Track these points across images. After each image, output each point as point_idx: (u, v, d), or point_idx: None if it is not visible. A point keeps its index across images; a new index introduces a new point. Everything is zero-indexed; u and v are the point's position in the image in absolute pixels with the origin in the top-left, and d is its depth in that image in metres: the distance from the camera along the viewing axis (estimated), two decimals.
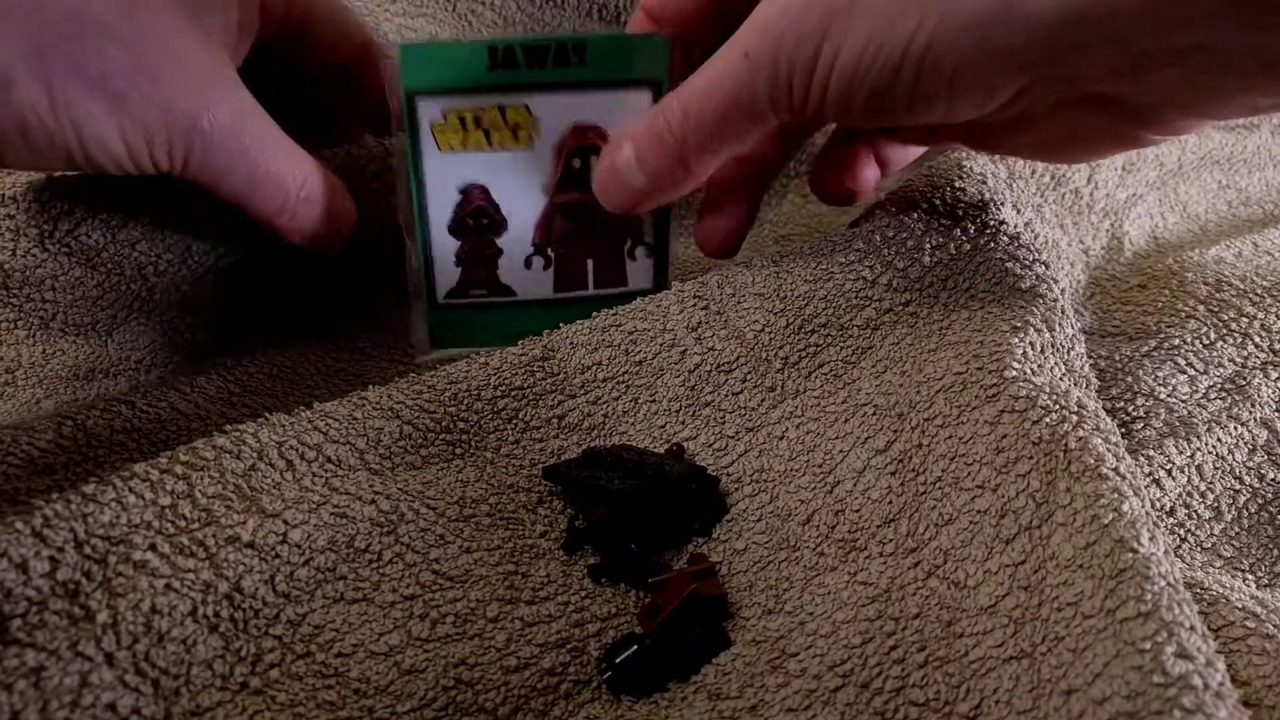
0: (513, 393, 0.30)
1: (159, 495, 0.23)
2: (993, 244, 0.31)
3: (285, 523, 0.24)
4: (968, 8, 0.23)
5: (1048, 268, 0.30)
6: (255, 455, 0.25)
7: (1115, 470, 0.22)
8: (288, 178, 0.30)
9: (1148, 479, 0.27)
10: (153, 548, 0.22)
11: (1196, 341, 0.31)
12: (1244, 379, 0.30)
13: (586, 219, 0.32)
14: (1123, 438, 0.25)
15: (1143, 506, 0.22)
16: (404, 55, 0.29)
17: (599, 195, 0.31)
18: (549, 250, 0.32)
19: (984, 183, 0.34)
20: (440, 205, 0.31)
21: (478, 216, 0.31)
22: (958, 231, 0.31)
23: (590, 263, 0.33)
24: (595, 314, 0.32)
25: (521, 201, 0.32)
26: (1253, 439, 0.29)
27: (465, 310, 0.33)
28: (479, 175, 0.31)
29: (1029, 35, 0.22)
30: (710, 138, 0.28)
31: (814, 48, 0.25)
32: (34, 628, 0.20)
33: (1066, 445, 0.23)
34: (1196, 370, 0.30)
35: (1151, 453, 0.28)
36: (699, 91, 0.28)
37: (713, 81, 0.27)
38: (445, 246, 0.32)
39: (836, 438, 0.28)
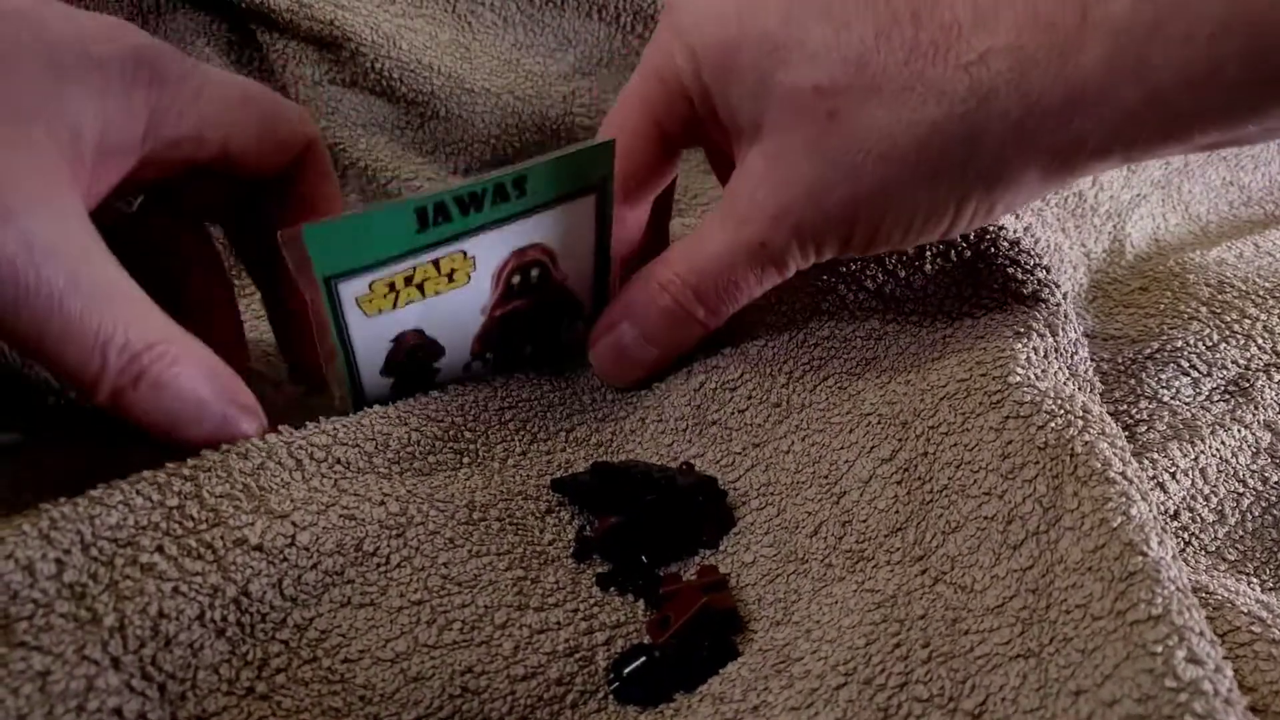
0: (520, 404, 0.30)
1: (166, 496, 0.23)
2: (994, 250, 0.31)
3: (294, 524, 0.23)
4: (1017, 181, 0.24)
5: (1049, 272, 0.30)
6: (264, 454, 0.25)
7: (1122, 474, 0.22)
8: (110, 338, 0.22)
9: (1152, 482, 0.27)
10: (160, 550, 0.22)
11: (1199, 344, 0.31)
12: (1247, 381, 0.30)
13: (527, 319, 0.30)
14: (1126, 441, 0.25)
15: (1150, 510, 0.22)
16: (311, 240, 0.24)
17: (603, 377, 0.31)
18: (488, 355, 0.31)
19: None
20: (370, 358, 0.28)
21: (412, 355, 0.29)
22: (958, 238, 0.31)
23: (529, 347, 0.32)
24: None
25: (458, 329, 0.29)
26: (1256, 441, 0.29)
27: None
28: (412, 322, 0.28)
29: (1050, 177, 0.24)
30: (730, 303, 0.29)
31: (846, 233, 0.26)
32: (40, 630, 0.20)
33: (1073, 450, 0.23)
34: (1199, 373, 0.30)
35: (1155, 456, 0.28)
36: (709, 273, 0.28)
37: (724, 263, 0.27)
38: (377, 383, 0.29)
39: (842, 448, 0.28)
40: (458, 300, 0.28)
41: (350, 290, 0.26)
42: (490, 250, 0.28)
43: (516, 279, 0.29)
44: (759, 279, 0.28)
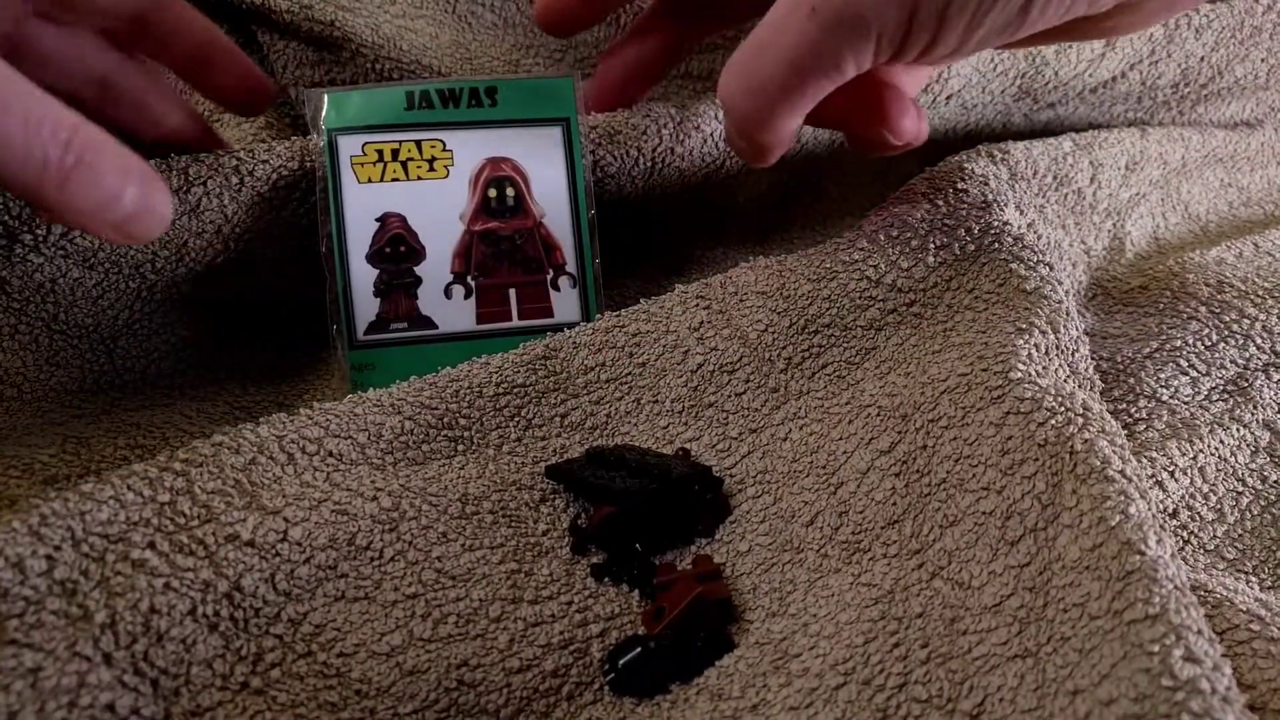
0: (515, 390, 0.30)
1: (158, 492, 0.23)
2: (997, 244, 0.31)
3: (285, 520, 0.23)
4: None
5: (1052, 269, 0.30)
6: (255, 449, 0.25)
7: (1121, 473, 0.22)
8: (43, 131, 0.23)
9: (1150, 481, 0.27)
10: (151, 546, 0.22)
11: (1198, 343, 0.31)
12: (1246, 380, 0.30)
13: (506, 246, 0.33)
14: (1126, 439, 0.25)
15: (1148, 509, 0.22)
16: (330, 101, 0.32)
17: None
18: (469, 279, 0.33)
19: (986, 184, 0.34)
20: (359, 235, 0.32)
21: (395, 244, 0.32)
22: (962, 232, 0.31)
23: (513, 293, 0.33)
24: (599, 315, 0.32)
25: (439, 230, 0.32)
26: (1255, 441, 0.29)
27: (384, 348, 0.32)
28: (396, 204, 0.32)
29: None
30: (782, 102, 0.25)
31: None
32: (31, 627, 0.20)
33: (1072, 447, 0.23)
34: (1198, 372, 0.30)
35: (1154, 454, 0.28)
36: (761, 57, 0.25)
37: (775, 41, 0.24)
38: (363, 276, 0.32)
39: (840, 439, 0.28)
40: (437, 194, 0.33)
41: (347, 147, 0.32)
42: (467, 148, 0.33)
43: (493, 193, 0.33)
44: (813, 71, 0.24)
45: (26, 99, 0.23)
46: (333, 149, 0.32)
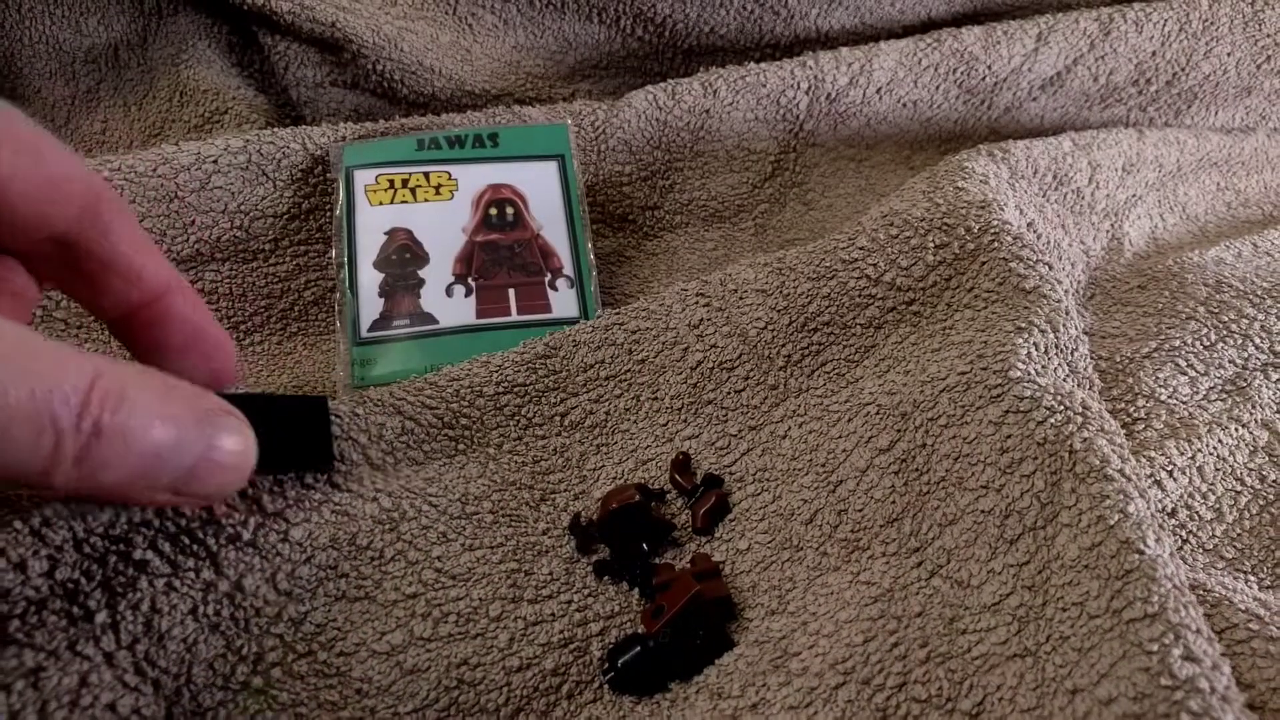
0: (515, 389, 0.30)
1: None
2: (996, 243, 0.31)
3: (286, 520, 0.23)
4: None
5: (1051, 268, 0.30)
6: None
7: (1120, 472, 0.22)
8: (51, 396, 0.16)
9: (1149, 480, 0.27)
10: (153, 546, 0.22)
11: (1197, 343, 0.31)
12: (1244, 380, 0.30)
13: (505, 254, 0.35)
14: (1125, 439, 0.25)
15: (1147, 508, 0.22)
16: (346, 150, 0.36)
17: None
18: (470, 280, 0.35)
19: (986, 183, 0.34)
20: (368, 246, 0.35)
21: (401, 252, 0.35)
22: (961, 230, 0.31)
23: (512, 292, 0.35)
24: (598, 313, 0.32)
25: (443, 240, 0.35)
26: (1253, 440, 0.29)
27: (387, 344, 0.33)
28: (404, 221, 0.35)
29: None
30: None
31: None
32: (33, 628, 0.20)
33: (1071, 446, 0.23)
34: (1197, 372, 0.30)
35: (1153, 454, 0.28)
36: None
37: None
38: (370, 280, 0.34)
39: (839, 437, 0.28)
40: (443, 213, 0.36)
41: (361, 179, 0.36)
42: (470, 177, 0.37)
43: (494, 211, 0.36)
44: None
45: (27, 360, 0.16)
46: (349, 181, 0.35)
